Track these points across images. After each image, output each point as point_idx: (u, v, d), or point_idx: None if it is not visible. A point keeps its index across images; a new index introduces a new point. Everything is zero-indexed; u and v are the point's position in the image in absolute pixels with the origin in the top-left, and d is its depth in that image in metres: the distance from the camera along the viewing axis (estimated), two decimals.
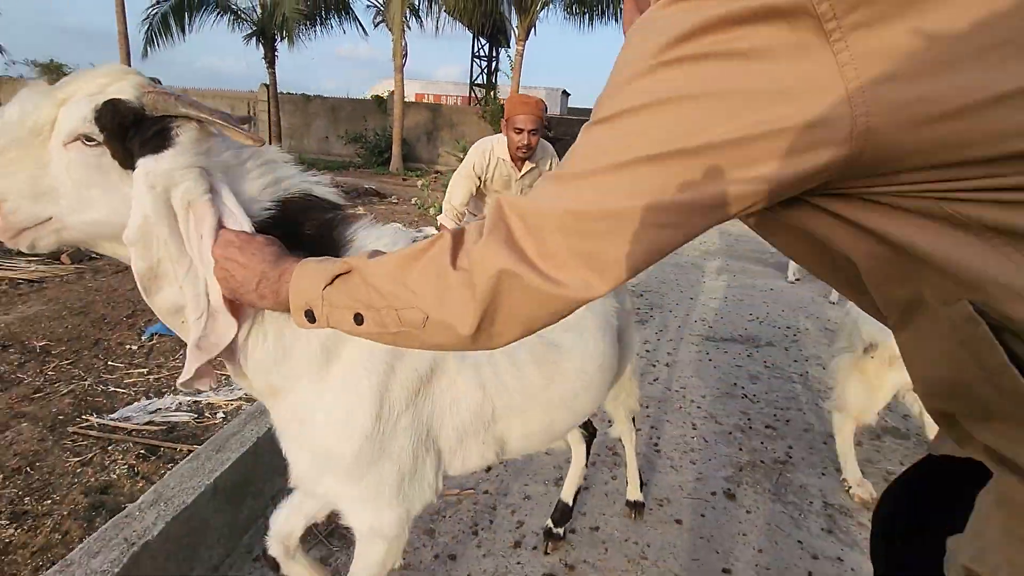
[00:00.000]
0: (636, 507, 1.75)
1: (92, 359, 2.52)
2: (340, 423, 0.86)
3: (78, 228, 0.76)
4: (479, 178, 2.48)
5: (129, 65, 9.23)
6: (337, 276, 0.61)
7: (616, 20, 12.44)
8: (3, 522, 1.50)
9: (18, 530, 1.47)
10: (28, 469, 1.72)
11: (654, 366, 2.96)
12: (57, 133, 0.71)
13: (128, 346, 2.68)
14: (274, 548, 1.04)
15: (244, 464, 1.50)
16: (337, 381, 0.85)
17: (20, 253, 3.91)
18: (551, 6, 12.66)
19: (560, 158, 1.88)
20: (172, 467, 1.76)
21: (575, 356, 1.11)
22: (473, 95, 17.98)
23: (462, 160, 2.55)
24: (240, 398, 2.24)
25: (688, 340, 3.40)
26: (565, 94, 24.37)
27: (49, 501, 1.59)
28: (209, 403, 2.19)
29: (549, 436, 1.18)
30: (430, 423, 0.96)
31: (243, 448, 1.49)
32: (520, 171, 2.46)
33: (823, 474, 2.08)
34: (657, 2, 0.47)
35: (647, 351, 3.14)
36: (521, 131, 2.26)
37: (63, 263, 3.92)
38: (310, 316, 0.63)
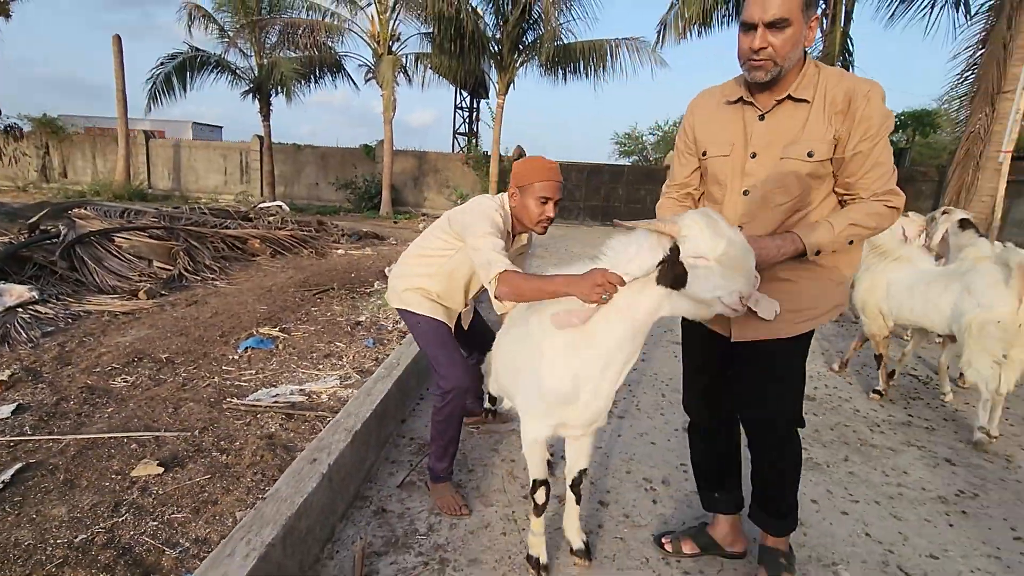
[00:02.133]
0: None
1: (209, 366, 3.30)
2: None
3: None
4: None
5: (127, 116, 13.73)
6: (840, 233, 1.40)
7: (587, 76, 13.84)
8: (216, 453, 2.29)
9: (228, 456, 2.27)
10: (212, 428, 2.51)
11: (640, 357, 3.85)
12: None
13: (230, 356, 3.47)
14: None
15: (378, 409, 2.32)
16: None
17: (102, 291, 4.65)
18: (528, 64, 14.03)
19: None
20: (306, 426, 2.57)
21: None
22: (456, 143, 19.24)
23: (458, 204, 2.18)
24: (333, 386, 3.05)
25: (659, 343, 4.32)
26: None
27: (237, 443, 2.38)
28: (313, 390, 3.00)
29: None
30: None
31: (374, 403, 2.32)
32: (514, 243, 2.05)
33: None
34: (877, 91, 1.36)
35: None
36: (547, 201, 1.86)
37: (140, 298, 4.68)
38: (817, 252, 1.41)
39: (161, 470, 2.13)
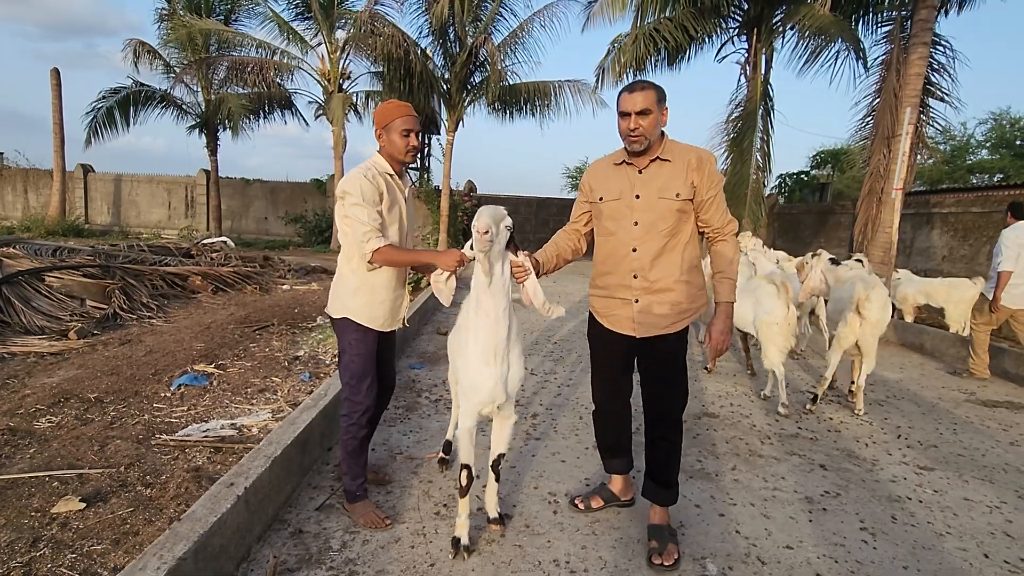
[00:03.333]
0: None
1: (140, 404, 3.34)
2: None
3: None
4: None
5: (64, 151, 14.47)
6: (735, 277, 2.06)
7: (533, 115, 14.48)
8: (140, 487, 2.37)
9: (152, 490, 2.35)
10: (138, 464, 2.57)
11: (565, 385, 4.11)
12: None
13: (163, 394, 3.52)
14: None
15: (300, 437, 2.45)
16: None
17: (29, 332, 4.57)
18: (477, 103, 14.57)
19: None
20: (235, 459, 2.67)
21: None
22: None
23: None
24: (264, 419, 3.15)
25: (586, 370, 4.60)
26: None
27: (163, 476, 2.46)
28: (244, 424, 3.09)
29: None
30: None
31: (296, 432, 2.46)
32: (405, 186, 2.24)
33: None
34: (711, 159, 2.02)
35: (555, 376, 4.30)
36: (409, 133, 2.11)
37: (71, 338, 4.62)
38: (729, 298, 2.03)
39: (83, 506, 2.20)
